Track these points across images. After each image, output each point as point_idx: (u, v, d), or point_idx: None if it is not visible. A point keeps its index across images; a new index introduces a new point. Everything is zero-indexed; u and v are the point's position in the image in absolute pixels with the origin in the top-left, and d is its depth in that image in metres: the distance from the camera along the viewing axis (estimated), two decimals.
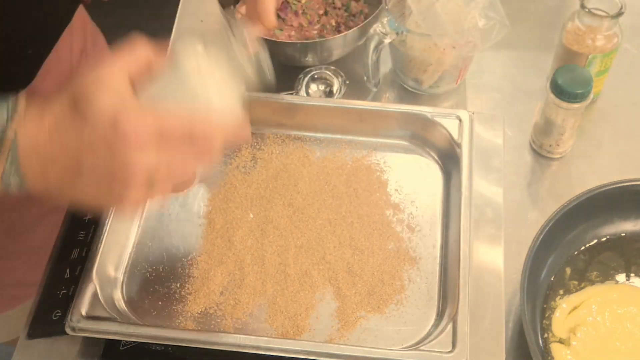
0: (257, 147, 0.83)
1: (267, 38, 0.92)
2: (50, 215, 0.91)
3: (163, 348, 0.70)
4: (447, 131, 0.80)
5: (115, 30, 1.03)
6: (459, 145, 0.78)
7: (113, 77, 0.55)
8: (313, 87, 0.88)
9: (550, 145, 0.87)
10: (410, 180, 0.81)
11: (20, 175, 0.55)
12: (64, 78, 0.91)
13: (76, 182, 0.55)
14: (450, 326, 0.66)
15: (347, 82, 0.88)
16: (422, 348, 0.66)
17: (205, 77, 0.57)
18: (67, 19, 0.89)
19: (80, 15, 0.95)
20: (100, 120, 0.53)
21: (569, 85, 0.79)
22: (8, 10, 0.74)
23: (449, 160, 0.80)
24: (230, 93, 0.59)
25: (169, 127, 0.54)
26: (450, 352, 0.65)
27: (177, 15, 1.05)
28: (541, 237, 0.73)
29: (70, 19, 0.89)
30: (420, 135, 0.83)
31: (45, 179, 0.56)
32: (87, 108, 0.54)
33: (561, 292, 0.76)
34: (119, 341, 0.70)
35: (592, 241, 0.79)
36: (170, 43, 1.01)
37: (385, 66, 0.96)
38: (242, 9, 0.96)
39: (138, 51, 0.58)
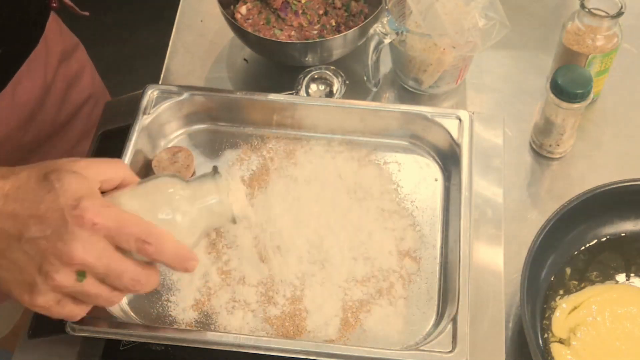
0: (257, 147, 0.83)
1: (267, 38, 0.92)
2: None
3: (163, 348, 0.70)
4: (447, 131, 0.80)
5: (116, 30, 1.03)
6: (459, 145, 0.78)
7: (86, 176, 0.56)
8: (313, 87, 0.88)
9: (550, 145, 0.87)
10: (410, 180, 0.81)
11: None
12: (38, 89, 0.92)
13: (7, 252, 0.55)
14: (450, 326, 0.66)
15: (347, 82, 0.88)
16: (422, 348, 0.66)
17: (172, 199, 0.59)
18: (39, 27, 0.89)
19: (57, 27, 0.95)
20: (65, 195, 0.54)
21: (569, 85, 0.79)
22: None
23: (449, 160, 0.80)
24: (194, 224, 0.60)
25: (126, 227, 0.55)
26: (450, 352, 0.65)
27: (177, 15, 1.06)
28: (541, 237, 0.73)
29: (42, 28, 0.89)
30: (420, 135, 0.83)
31: None
32: (57, 182, 0.54)
33: (561, 292, 0.76)
34: (119, 341, 0.70)
35: (592, 241, 0.79)
36: (170, 42, 1.01)
37: (385, 66, 0.96)
38: (242, 9, 0.96)
39: (115, 167, 0.59)
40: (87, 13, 0.97)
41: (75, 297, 0.57)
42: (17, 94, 0.88)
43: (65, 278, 0.54)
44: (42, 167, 0.56)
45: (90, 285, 0.56)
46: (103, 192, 0.59)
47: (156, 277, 0.59)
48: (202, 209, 0.60)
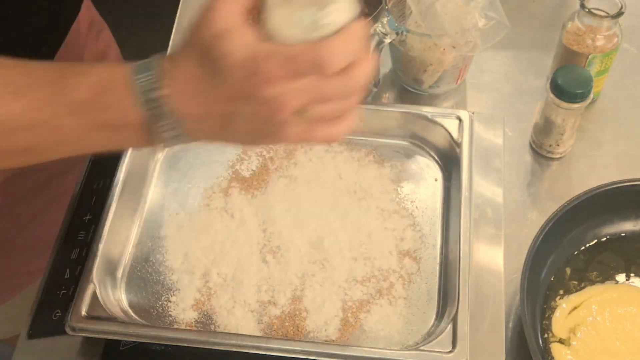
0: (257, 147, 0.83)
1: None
2: (54, 204, 0.91)
3: (163, 348, 0.70)
4: (447, 131, 0.80)
5: (116, 30, 1.03)
6: (459, 145, 0.78)
7: (228, 20, 0.52)
8: None
9: (550, 145, 0.87)
10: (410, 180, 0.81)
11: (178, 130, 0.55)
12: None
13: (230, 131, 0.55)
14: (450, 326, 0.66)
15: None
16: (422, 348, 0.66)
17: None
18: (75, 9, 0.88)
19: (87, 8, 0.95)
20: (232, 74, 0.52)
21: (569, 85, 0.79)
22: (18, 6, 0.74)
23: (449, 160, 0.80)
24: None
25: (293, 56, 0.52)
26: (450, 352, 0.65)
27: (177, 15, 1.06)
28: (541, 237, 0.73)
29: (78, 9, 0.89)
30: (420, 135, 0.83)
31: (202, 132, 0.56)
32: (218, 65, 0.52)
33: (561, 292, 0.76)
34: (119, 341, 0.70)
35: (592, 241, 0.79)
36: (170, 42, 1.01)
37: (385, 66, 0.96)
38: None
39: None
40: None
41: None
42: None
43: (293, 128, 0.54)
44: (194, 54, 0.54)
45: (319, 108, 0.54)
46: None
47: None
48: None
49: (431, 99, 0.94)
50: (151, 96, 0.54)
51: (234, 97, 0.53)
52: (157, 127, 0.55)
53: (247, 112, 0.53)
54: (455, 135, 0.79)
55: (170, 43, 1.02)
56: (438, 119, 0.80)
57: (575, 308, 0.74)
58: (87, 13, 0.95)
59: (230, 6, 0.53)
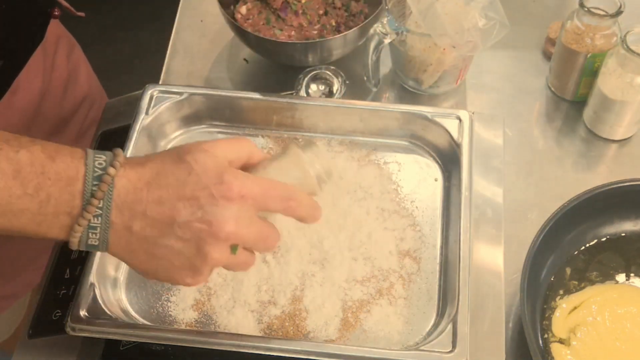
0: (257, 147, 0.83)
1: (267, 38, 0.92)
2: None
3: (163, 348, 0.70)
4: (447, 131, 0.80)
5: (116, 30, 1.03)
6: (459, 145, 0.78)
7: (216, 155, 0.56)
8: (313, 87, 0.88)
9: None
10: (410, 180, 0.81)
11: (107, 224, 0.54)
12: (37, 93, 0.90)
13: (161, 238, 0.54)
14: (450, 326, 0.66)
15: (347, 82, 0.88)
16: (422, 348, 0.66)
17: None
18: (39, 35, 0.88)
19: (56, 30, 0.94)
20: (207, 173, 0.54)
21: None
22: None
23: (449, 160, 0.80)
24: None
25: (271, 190, 0.56)
26: (450, 352, 0.65)
27: (177, 15, 1.06)
28: (541, 237, 0.73)
29: (42, 35, 0.88)
30: (420, 135, 0.83)
31: (129, 231, 0.54)
32: (194, 162, 0.54)
33: (561, 292, 0.76)
34: (119, 341, 0.70)
35: (592, 241, 0.79)
36: (170, 42, 1.01)
37: (385, 66, 0.96)
38: (242, 9, 0.96)
39: (240, 145, 0.59)
40: (82, 14, 0.97)
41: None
42: (15, 101, 0.87)
43: (221, 255, 0.55)
44: (173, 152, 0.56)
45: (241, 255, 0.58)
46: None
47: (278, 233, 0.60)
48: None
49: (431, 99, 0.94)
50: (101, 173, 0.54)
51: (195, 193, 0.53)
52: (88, 211, 0.53)
53: (196, 216, 0.53)
54: (455, 135, 0.79)
55: (170, 43, 1.02)
56: (438, 119, 0.80)
57: (575, 308, 0.74)
58: (55, 44, 0.94)
59: (219, 151, 0.56)
